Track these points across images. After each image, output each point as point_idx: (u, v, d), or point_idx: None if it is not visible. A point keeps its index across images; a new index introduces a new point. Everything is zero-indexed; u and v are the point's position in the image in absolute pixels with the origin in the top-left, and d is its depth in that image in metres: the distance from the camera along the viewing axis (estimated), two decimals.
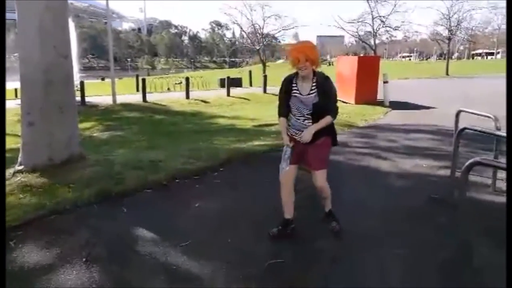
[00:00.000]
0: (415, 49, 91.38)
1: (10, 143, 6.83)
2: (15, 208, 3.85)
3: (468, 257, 2.82)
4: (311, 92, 3.03)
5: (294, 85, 3.09)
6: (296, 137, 3.17)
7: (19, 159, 5.00)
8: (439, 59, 68.11)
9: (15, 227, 3.49)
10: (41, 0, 4.74)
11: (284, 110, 3.21)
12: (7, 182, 4.51)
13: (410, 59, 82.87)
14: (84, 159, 5.32)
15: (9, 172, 4.85)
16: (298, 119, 3.14)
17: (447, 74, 30.42)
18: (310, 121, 3.09)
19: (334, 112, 3.10)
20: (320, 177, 3.20)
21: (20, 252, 3.13)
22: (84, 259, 2.99)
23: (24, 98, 4.98)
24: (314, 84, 3.02)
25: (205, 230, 3.53)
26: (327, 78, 3.09)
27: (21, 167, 4.87)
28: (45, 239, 3.33)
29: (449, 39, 32.19)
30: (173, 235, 3.39)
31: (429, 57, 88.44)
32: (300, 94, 3.06)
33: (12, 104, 11.65)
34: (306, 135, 3.03)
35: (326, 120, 3.05)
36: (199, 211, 3.98)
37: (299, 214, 3.47)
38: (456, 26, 31.36)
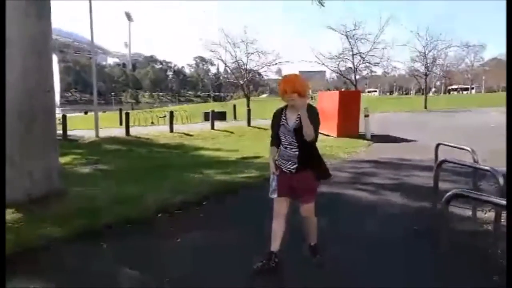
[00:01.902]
0: (394, 83, 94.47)
1: None
2: None
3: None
4: (296, 120, 3.15)
5: (283, 115, 3.25)
6: (283, 168, 3.25)
7: None
8: (418, 93, 70.41)
9: None
10: (26, 40, 4.78)
11: (275, 140, 3.33)
12: None
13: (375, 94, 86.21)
14: (65, 194, 5.22)
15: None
16: (286, 148, 3.24)
17: (425, 108, 31.39)
18: (296, 149, 3.17)
19: (314, 128, 3.07)
20: (308, 208, 3.28)
21: None
22: None
23: (7, 136, 4.90)
24: (299, 114, 3.11)
25: (186, 265, 3.44)
26: (312, 107, 3.17)
27: None
28: (18, 279, 3.19)
29: (426, 75, 33.46)
30: (153, 271, 3.30)
31: (408, 92, 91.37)
32: (287, 123, 3.20)
33: None
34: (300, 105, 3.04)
35: (308, 123, 3.02)
36: (181, 246, 3.90)
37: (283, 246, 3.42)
38: (432, 63, 32.73)
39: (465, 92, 75.32)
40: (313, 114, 3.14)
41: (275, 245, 3.30)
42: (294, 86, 3.06)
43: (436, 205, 4.65)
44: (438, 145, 5.19)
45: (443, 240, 3.30)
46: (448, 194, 2.86)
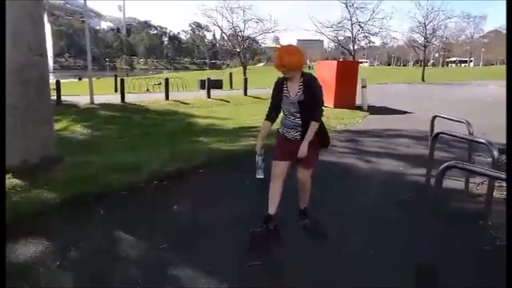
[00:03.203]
0: (393, 54, 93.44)
1: None
2: None
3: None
4: (298, 91, 3.18)
5: (285, 86, 3.25)
6: (287, 135, 3.32)
7: None
8: (416, 65, 69.84)
9: None
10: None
11: (272, 113, 3.35)
12: None
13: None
14: (60, 161, 5.20)
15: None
16: (288, 118, 3.28)
17: (423, 80, 31.23)
18: (299, 119, 3.22)
19: (317, 115, 3.21)
20: (306, 173, 3.40)
21: None
22: (58, 263, 2.91)
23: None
24: (300, 84, 3.17)
25: (183, 232, 3.49)
26: (313, 78, 3.23)
27: None
28: (19, 243, 3.23)
29: (425, 46, 33.07)
30: (151, 237, 3.35)
31: (406, 64, 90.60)
32: (289, 94, 3.22)
33: None
34: (302, 150, 3.18)
35: (312, 129, 3.19)
36: (177, 213, 3.95)
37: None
38: (431, 34, 32.27)
39: (463, 65, 74.81)
40: (316, 89, 3.19)
41: (272, 208, 3.39)
42: (281, 60, 3.07)
43: (430, 177, 4.72)
44: (434, 117, 5.19)
45: (435, 210, 3.37)
46: (442, 166, 2.90)
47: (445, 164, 2.78)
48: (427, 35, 31.95)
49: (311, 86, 3.16)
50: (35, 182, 4.44)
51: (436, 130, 4.57)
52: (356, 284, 2.75)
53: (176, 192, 4.52)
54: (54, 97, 11.75)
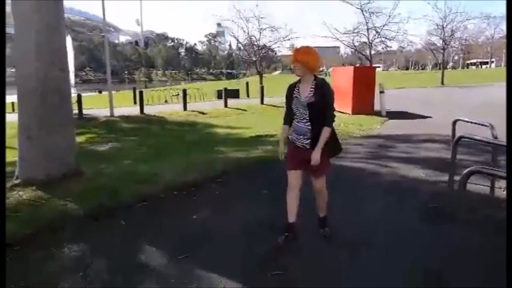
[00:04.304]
0: (410, 58, 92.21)
1: (8, 156, 6.80)
2: (12, 222, 3.81)
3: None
4: (309, 93, 3.19)
5: (296, 88, 3.29)
6: (297, 143, 3.31)
7: (16, 173, 4.98)
8: (434, 69, 68.71)
9: (12, 242, 3.45)
10: (38, 15, 4.77)
11: (288, 117, 3.39)
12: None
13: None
14: (81, 173, 5.30)
15: (6, 185, 4.82)
16: (299, 122, 3.27)
17: (442, 83, 30.63)
18: (309, 122, 3.21)
19: (328, 119, 3.20)
20: (319, 182, 3.38)
21: (17, 267, 3.09)
22: (81, 274, 2.96)
23: (21, 111, 4.98)
24: (312, 86, 3.19)
25: (203, 242, 3.50)
26: (325, 83, 3.24)
27: (18, 181, 4.85)
28: (43, 254, 3.30)
29: (444, 49, 32.51)
30: (171, 248, 3.36)
31: (424, 67, 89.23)
32: (300, 96, 3.23)
33: (9, 118, 11.61)
34: (315, 158, 3.15)
35: (325, 135, 3.17)
36: (197, 223, 3.96)
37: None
38: (450, 36, 31.70)
39: (484, 67, 73.10)
40: (327, 93, 3.19)
41: (291, 217, 3.39)
42: (296, 56, 3.14)
43: (452, 182, 4.60)
44: (455, 121, 5.08)
45: (459, 216, 3.29)
46: (465, 171, 2.82)
47: (469, 169, 2.71)
48: (446, 38, 31.40)
49: (322, 89, 3.17)
50: (57, 194, 4.53)
51: (458, 134, 4.47)
52: None
53: (195, 202, 4.54)
54: (75, 111, 12.05)
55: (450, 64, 67.06)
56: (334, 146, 3.32)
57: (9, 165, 6.08)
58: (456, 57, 69.79)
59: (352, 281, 2.84)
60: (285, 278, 2.88)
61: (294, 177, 3.35)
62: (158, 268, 3.04)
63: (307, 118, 3.20)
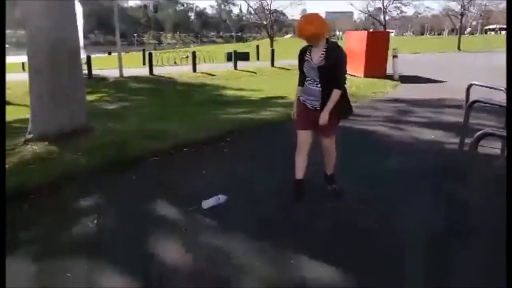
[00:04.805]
0: (426, 24, 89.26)
1: (22, 113, 6.91)
2: (27, 175, 3.92)
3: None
4: (320, 57, 3.15)
5: (308, 52, 3.25)
6: (307, 104, 3.30)
7: (29, 128, 5.05)
8: (451, 34, 66.52)
9: (28, 192, 3.56)
10: None
11: (301, 79, 3.36)
12: (17, 150, 4.58)
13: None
14: (93, 129, 5.36)
15: (19, 140, 4.91)
16: (310, 84, 3.25)
17: (458, 49, 29.76)
18: (319, 84, 3.18)
19: (339, 82, 3.17)
20: (328, 142, 3.41)
21: (32, 214, 3.20)
22: (94, 223, 3.05)
23: (32, 70, 4.98)
24: (324, 50, 3.15)
25: (212, 196, 3.55)
26: (337, 47, 3.19)
27: (31, 136, 4.93)
28: (57, 204, 3.41)
29: (462, 14, 31.35)
30: (182, 201, 3.43)
31: (441, 33, 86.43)
32: (311, 60, 3.20)
33: (20, 77, 11.66)
34: (323, 119, 3.16)
35: (334, 97, 3.15)
36: (206, 178, 4.02)
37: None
38: (469, 1, 30.48)
39: (503, 32, 70.57)
40: (339, 56, 3.15)
41: (299, 174, 3.45)
42: (299, 30, 3.08)
43: (463, 145, 4.56)
44: (470, 86, 4.97)
45: (469, 178, 3.27)
46: (478, 133, 2.79)
47: (480, 131, 2.68)
48: (464, 3, 30.20)
49: (334, 52, 3.12)
50: (69, 149, 4.62)
51: (472, 99, 4.38)
52: (382, 248, 2.73)
53: (204, 159, 4.59)
54: (85, 71, 12.03)
55: (468, 29, 64.70)
56: (344, 108, 3.29)
57: (22, 122, 6.19)
58: (474, 23, 67.19)
59: (358, 236, 2.89)
60: (290, 233, 2.93)
61: (303, 137, 3.37)
62: (167, 219, 3.12)
63: (318, 80, 3.18)
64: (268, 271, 2.45)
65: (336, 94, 3.14)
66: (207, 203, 3.27)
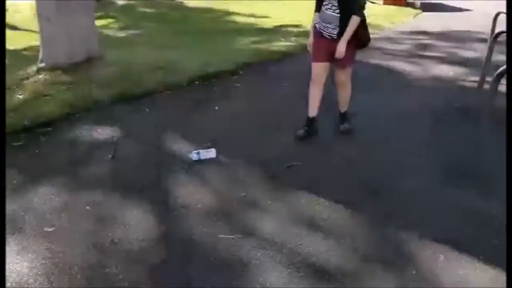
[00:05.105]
0: None
1: (31, 39, 6.79)
2: (43, 105, 3.96)
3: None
4: None
5: None
6: (324, 32, 3.14)
7: (40, 56, 5.00)
8: None
9: (45, 123, 3.63)
10: None
11: (318, 3, 3.15)
12: (31, 80, 4.59)
13: None
14: (104, 58, 5.28)
15: (32, 69, 4.90)
16: (328, 9, 3.05)
17: None
18: (338, 10, 2.99)
19: (357, 7, 2.98)
20: (343, 74, 3.28)
21: (50, 147, 3.31)
22: (110, 156, 3.14)
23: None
24: None
25: (226, 131, 3.60)
26: None
27: (42, 65, 4.89)
28: (73, 136, 3.49)
29: None
30: (195, 135, 3.48)
31: None
32: None
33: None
34: (340, 51, 3.02)
35: (353, 25, 2.98)
36: (219, 113, 4.03)
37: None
38: None
39: None
40: None
41: (313, 111, 3.38)
42: None
43: (484, 82, 4.42)
44: (497, 14, 4.67)
45: (487, 116, 3.22)
46: (500, 69, 2.67)
47: (503, 67, 2.57)
48: None
49: None
50: (82, 78, 4.61)
51: (498, 30, 4.14)
52: (396, 186, 2.79)
53: (216, 93, 4.56)
54: None
55: None
56: (362, 36, 3.11)
57: (32, 49, 6.11)
58: None
59: (366, 175, 2.94)
60: (300, 170, 2.99)
61: (319, 70, 3.24)
62: (181, 154, 3.19)
63: (336, 5, 2.97)
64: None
65: (355, 21, 2.96)
66: (197, 156, 3.06)
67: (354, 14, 2.95)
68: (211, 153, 3.07)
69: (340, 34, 3.02)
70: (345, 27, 2.99)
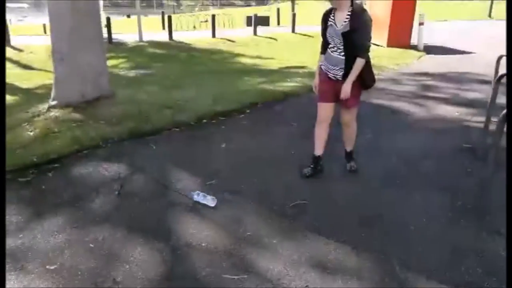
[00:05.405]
0: None
1: (44, 78, 7.01)
2: (52, 142, 4.03)
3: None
4: (344, 21, 3.01)
5: (332, 16, 3.10)
6: (329, 74, 3.20)
7: (52, 94, 5.14)
8: None
9: (52, 159, 3.68)
10: None
11: (324, 46, 3.23)
12: (42, 117, 4.69)
13: None
14: (114, 97, 5.42)
15: (43, 107, 5.02)
16: (333, 52, 3.13)
17: (489, 16, 28.29)
18: (343, 52, 3.07)
19: (363, 49, 3.03)
20: (349, 114, 3.32)
21: (56, 183, 3.33)
22: (116, 192, 3.15)
23: (53, 33, 4.99)
24: (348, 14, 3.00)
25: (231, 169, 3.61)
26: (363, 10, 3.04)
27: (54, 102, 5.02)
28: (80, 172, 3.52)
29: None
30: (200, 173, 3.49)
31: None
32: (335, 24, 3.06)
33: (42, 40, 11.75)
34: (345, 91, 3.08)
35: (358, 66, 3.05)
36: (225, 151, 4.06)
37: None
38: None
39: None
40: (364, 21, 2.99)
41: (319, 150, 3.41)
42: None
43: (489, 123, 4.43)
44: (500, 57, 4.76)
45: (493, 158, 3.20)
46: (505, 111, 2.70)
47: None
48: None
49: (359, 17, 2.96)
50: (92, 116, 4.70)
51: (501, 72, 4.21)
52: (402, 223, 2.75)
53: (223, 131, 4.62)
54: (105, 35, 11.97)
55: None
56: (367, 77, 3.17)
57: (45, 88, 6.30)
58: None
59: (373, 215, 2.91)
60: (305, 208, 2.97)
61: (324, 110, 3.29)
62: (186, 192, 3.18)
63: (341, 48, 3.05)
64: (280, 246, 2.50)
65: (359, 63, 3.02)
66: (197, 197, 3.02)
67: (359, 56, 3.01)
68: (211, 201, 2.98)
69: (346, 75, 3.09)
70: (350, 69, 3.05)
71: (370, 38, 3.09)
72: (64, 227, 2.67)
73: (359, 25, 2.95)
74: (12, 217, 2.76)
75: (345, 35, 2.98)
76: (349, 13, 2.98)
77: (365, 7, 3.24)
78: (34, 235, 2.56)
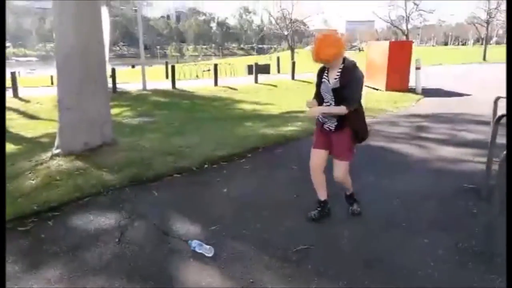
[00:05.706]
0: (450, 33, 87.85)
1: (48, 128, 7.13)
2: (53, 190, 4.03)
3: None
4: (335, 78, 3.07)
5: (326, 72, 3.17)
6: (325, 125, 3.26)
7: (56, 143, 5.20)
8: (476, 44, 65.15)
9: (53, 207, 3.66)
10: None
11: (317, 99, 3.25)
12: (44, 165, 4.72)
13: None
14: (117, 144, 5.47)
15: (46, 155, 5.06)
16: (326, 105, 3.18)
17: (484, 59, 29.11)
18: (335, 105, 3.10)
19: (348, 101, 3.02)
20: (340, 168, 3.26)
21: (56, 231, 3.28)
22: (116, 240, 3.10)
23: (60, 83, 5.14)
24: (339, 70, 3.05)
25: (234, 215, 3.57)
26: (354, 66, 3.06)
27: (58, 151, 5.07)
28: (80, 220, 3.48)
29: (488, 22, 30.72)
30: (202, 219, 3.46)
31: (465, 43, 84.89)
32: (328, 81, 3.13)
33: (49, 91, 12.09)
34: (313, 110, 3.13)
35: (337, 109, 3.06)
36: (227, 196, 4.03)
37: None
38: (495, 8, 29.81)
39: None
40: (353, 78, 2.99)
41: (322, 196, 3.41)
42: (317, 55, 2.93)
43: (491, 164, 4.43)
44: (497, 98, 4.84)
45: (496, 200, 3.17)
46: (504, 152, 2.71)
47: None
48: (491, 10, 29.58)
49: (349, 74, 3.00)
50: (94, 164, 4.73)
51: (499, 113, 4.26)
52: (409, 272, 2.67)
53: (225, 176, 4.61)
54: (110, 85, 12.34)
55: (494, 39, 63.15)
56: (359, 129, 3.18)
57: (50, 136, 6.39)
58: (501, 31, 65.56)
59: (379, 259, 2.83)
60: (309, 252, 2.91)
61: (317, 156, 3.32)
62: (189, 238, 3.13)
63: (333, 103, 3.10)
64: None
65: (340, 108, 3.01)
66: (194, 246, 2.96)
67: (344, 105, 3.01)
68: (207, 250, 2.90)
69: (338, 127, 3.13)
70: (343, 121, 3.10)
71: (359, 92, 3.07)
72: (61, 277, 2.61)
73: (349, 81, 2.99)
74: (9, 267, 2.70)
75: (335, 91, 3.04)
76: (340, 69, 3.03)
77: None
78: (30, 286, 2.49)
